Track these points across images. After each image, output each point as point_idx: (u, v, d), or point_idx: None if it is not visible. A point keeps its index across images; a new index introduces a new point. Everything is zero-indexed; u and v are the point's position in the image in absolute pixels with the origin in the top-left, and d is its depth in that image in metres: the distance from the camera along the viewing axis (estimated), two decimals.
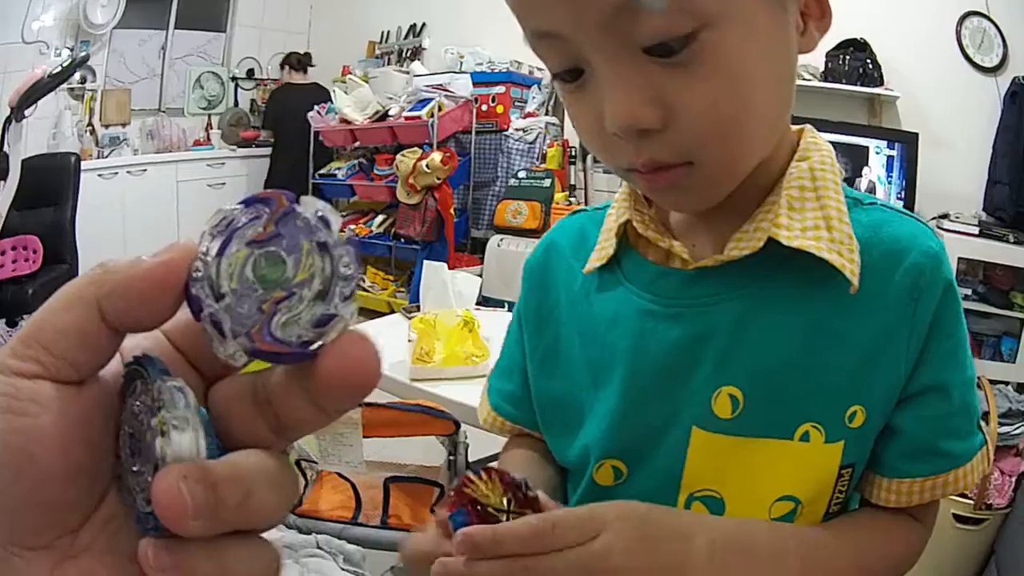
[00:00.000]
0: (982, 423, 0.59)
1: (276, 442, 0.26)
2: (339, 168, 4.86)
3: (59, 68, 2.94)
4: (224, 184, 5.44)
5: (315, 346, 0.23)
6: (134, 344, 0.26)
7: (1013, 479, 1.97)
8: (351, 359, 0.23)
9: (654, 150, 0.47)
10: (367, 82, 4.61)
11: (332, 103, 4.59)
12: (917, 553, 0.61)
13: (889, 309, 0.54)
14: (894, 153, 3.79)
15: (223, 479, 0.23)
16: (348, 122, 4.49)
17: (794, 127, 0.58)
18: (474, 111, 4.17)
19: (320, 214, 0.24)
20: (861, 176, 3.84)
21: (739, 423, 0.55)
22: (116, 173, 4.93)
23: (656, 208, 0.60)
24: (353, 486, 1.70)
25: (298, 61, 5.23)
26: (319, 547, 1.26)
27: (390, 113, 4.36)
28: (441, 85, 4.19)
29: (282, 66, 5.34)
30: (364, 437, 1.55)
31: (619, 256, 0.60)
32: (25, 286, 3.60)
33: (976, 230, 3.65)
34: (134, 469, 0.24)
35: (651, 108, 0.45)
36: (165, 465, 0.22)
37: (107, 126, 5.29)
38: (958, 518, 2.00)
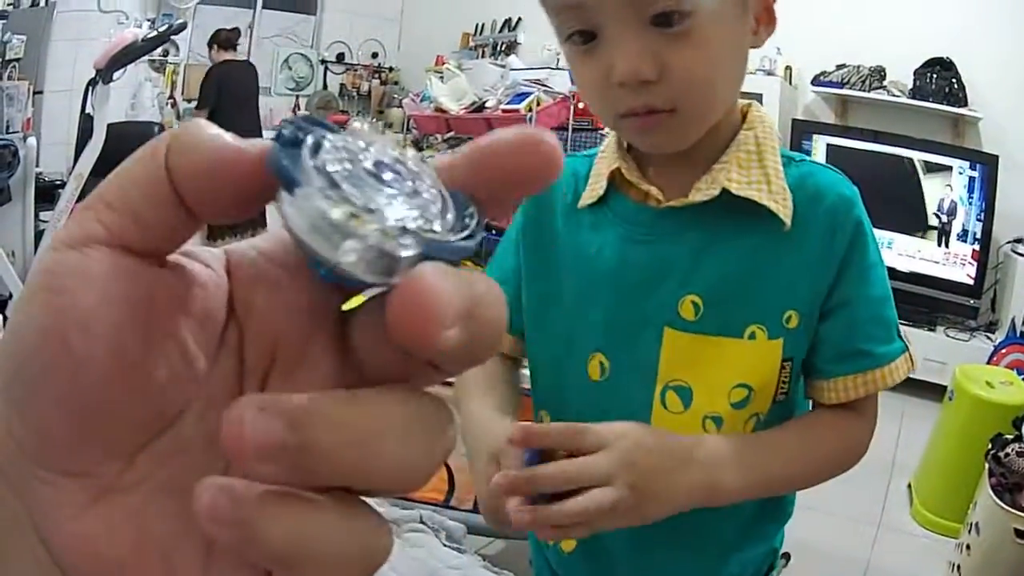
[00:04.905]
0: (903, 333, 0.74)
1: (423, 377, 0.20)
2: (431, 157, 4.87)
3: (154, 33, 3.03)
4: None
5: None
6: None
7: None
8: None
9: (649, 97, 0.62)
10: (462, 73, 4.69)
11: (426, 91, 4.70)
12: (861, 442, 0.75)
13: (812, 240, 0.70)
14: (976, 174, 3.83)
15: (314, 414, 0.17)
16: (443, 111, 4.56)
17: (742, 101, 0.74)
18: (571, 108, 4.12)
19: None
20: (945, 198, 3.92)
21: (701, 324, 0.70)
22: None
23: (636, 160, 0.75)
24: (448, 468, 1.65)
25: (226, 39, 4.81)
26: (422, 521, 1.23)
27: (487, 105, 4.37)
28: (539, 80, 4.23)
29: (210, 45, 4.83)
30: None
31: (606, 196, 0.75)
32: None
33: None
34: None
35: (651, 65, 0.60)
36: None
37: (189, 100, 5.45)
38: (1019, 533, 1.99)
